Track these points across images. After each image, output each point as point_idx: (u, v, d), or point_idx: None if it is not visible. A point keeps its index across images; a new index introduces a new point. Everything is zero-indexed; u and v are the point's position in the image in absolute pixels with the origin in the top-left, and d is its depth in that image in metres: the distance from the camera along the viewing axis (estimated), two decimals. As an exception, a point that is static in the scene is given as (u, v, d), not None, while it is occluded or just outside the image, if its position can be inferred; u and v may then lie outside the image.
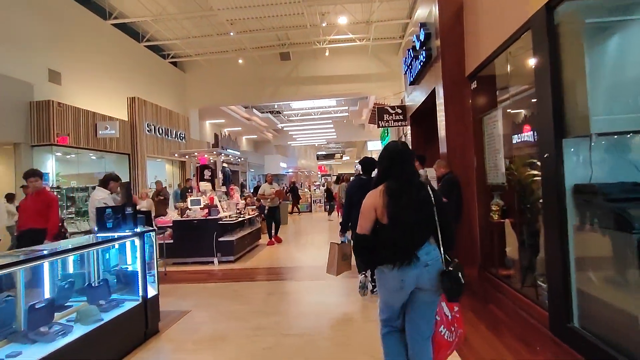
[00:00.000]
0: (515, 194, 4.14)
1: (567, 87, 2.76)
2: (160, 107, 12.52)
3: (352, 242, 3.55)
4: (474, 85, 4.98)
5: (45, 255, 2.50)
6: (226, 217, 7.22)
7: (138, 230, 3.36)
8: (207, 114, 17.19)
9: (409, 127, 8.83)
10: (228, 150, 14.55)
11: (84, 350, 2.63)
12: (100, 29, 10.62)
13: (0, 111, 7.48)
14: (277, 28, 12.01)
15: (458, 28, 5.07)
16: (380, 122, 9.31)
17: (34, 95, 8.21)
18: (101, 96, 10.43)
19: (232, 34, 11.80)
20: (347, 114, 22.36)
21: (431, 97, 5.90)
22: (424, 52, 5.76)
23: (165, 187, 9.94)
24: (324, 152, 44.25)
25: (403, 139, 11.02)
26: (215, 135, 19.49)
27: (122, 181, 4.67)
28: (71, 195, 8.58)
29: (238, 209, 8.09)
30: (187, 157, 11.61)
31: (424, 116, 7.44)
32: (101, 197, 4.26)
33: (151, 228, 3.60)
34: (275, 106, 21.37)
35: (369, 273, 4.57)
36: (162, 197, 8.63)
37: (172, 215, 7.42)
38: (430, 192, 2.08)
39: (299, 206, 17.78)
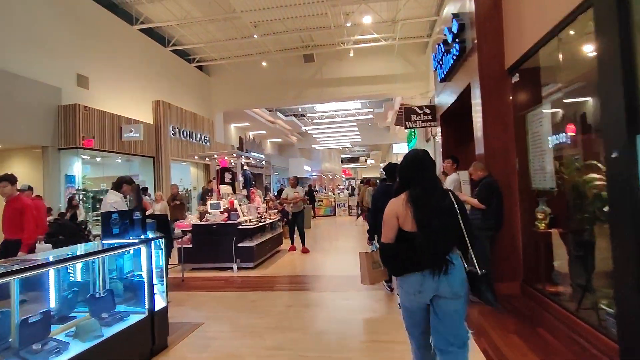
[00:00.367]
0: (567, 200, 3.63)
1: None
2: (185, 110, 12.57)
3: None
4: (515, 79, 4.49)
5: (36, 266, 2.27)
6: (246, 221, 6.99)
7: (143, 237, 3.11)
8: (231, 117, 17.23)
9: (438, 128, 8.32)
10: (250, 153, 14.45)
11: (79, 370, 2.38)
12: (127, 34, 10.78)
13: (30, 115, 7.63)
14: (301, 29, 11.81)
15: (496, 16, 4.60)
16: (407, 123, 8.86)
17: (62, 99, 8.34)
18: (127, 100, 10.55)
19: (255, 36, 11.69)
20: (371, 116, 21.89)
21: (465, 95, 5.42)
22: (457, 45, 5.30)
23: (184, 191, 9.72)
24: (348, 156, 43.84)
25: (432, 141, 10.48)
26: (240, 139, 19.54)
27: (134, 184, 4.45)
28: (100, 197, 8.59)
29: (259, 213, 7.84)
30: (207, 159, 11.54)
31: (455, 115, 6.94)
32: (113, 200, 4.07)
33: (160, 235, 3.34)
34: (300, 109, 21.25)
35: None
36: (177, 202, 8.45)
37: (191, 219, 7.28)
38: (454, 200, 2.07)
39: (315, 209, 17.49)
